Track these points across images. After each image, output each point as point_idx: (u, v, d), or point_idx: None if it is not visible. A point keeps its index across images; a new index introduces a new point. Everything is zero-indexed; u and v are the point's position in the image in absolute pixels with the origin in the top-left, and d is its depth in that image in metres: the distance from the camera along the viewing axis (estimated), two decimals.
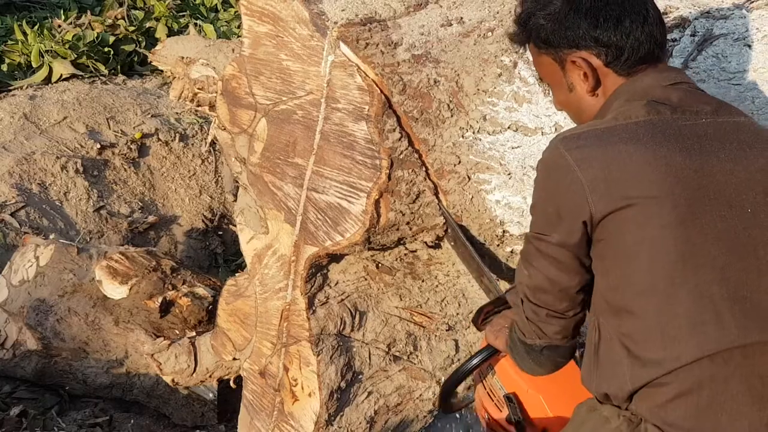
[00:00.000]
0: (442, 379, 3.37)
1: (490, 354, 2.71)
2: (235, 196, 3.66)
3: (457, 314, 3.39)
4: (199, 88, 3.67)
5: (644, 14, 2.29)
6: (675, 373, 2.10)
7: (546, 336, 2.34)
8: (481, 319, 2.82)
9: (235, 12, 7.47)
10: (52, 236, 4.85)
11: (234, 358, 3.64)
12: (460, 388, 3.02)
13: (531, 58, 2.89)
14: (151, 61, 3.96)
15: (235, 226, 3.62)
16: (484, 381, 2.83)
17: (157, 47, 3.89)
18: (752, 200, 2.16)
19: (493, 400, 2.78)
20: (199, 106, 3.72)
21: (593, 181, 2.14)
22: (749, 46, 2.76)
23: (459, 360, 3.41)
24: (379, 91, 3.01)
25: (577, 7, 2.30)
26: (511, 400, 2.71)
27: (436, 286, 3.37)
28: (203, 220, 5.74)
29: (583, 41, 2.31)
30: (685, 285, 2.10)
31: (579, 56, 2.33)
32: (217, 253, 5.67)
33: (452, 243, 3.14)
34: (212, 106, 3.62)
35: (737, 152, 2.19)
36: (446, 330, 3.39)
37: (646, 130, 2.18)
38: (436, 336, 3.40)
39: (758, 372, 2.12)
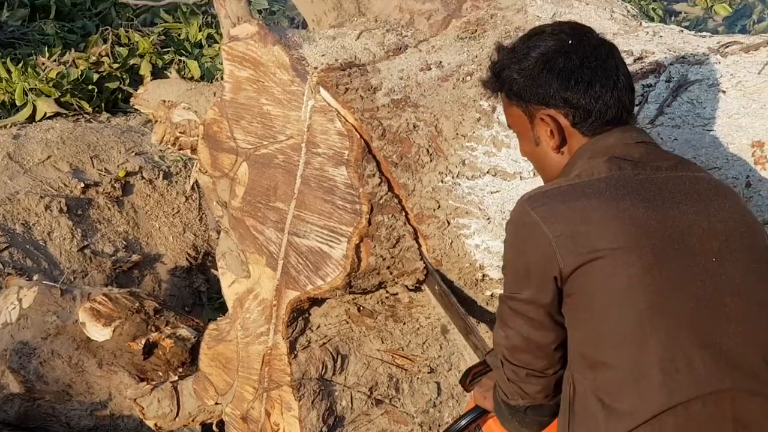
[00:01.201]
0: (424, 422, 3.38)
1: (479, 415, 2.69)
2: (219, 233, 3.68)
3: (439, 356, 3.39)
4: (180, 132, 3.68)
5: (615, 80, 2.34)
6: (649, 423, 2.12)
7: (528, 396, 2.35)
8: (468, 379, 2.82)
9: (220, 47, 7.49)
10: (35, 277, 4.83)
11: (216, 403, 3.63)
12: None
13: None
14: (133, 105, 3.97)
15: (218, 268, 3.62)
16: None
17: (138, 91, 3.90)
18: (716, 249, 2.20)
19: None
20: (180, 149, 3.73)
21: (560, 237, 2.18)
22: (724, 92, 2.78)
23: (441, 403, 3.42)
24: (358, 136, 3.03)
25: (550, 67, 2.34)
26: None
27: (418, 328, 3.37)
28: (187, 258, 5.73)
29: (553, 100, 2.35)
30: (656, 333, 2.13)
31: (548, 114, 2.38)
32: (201, 291, 5.66)
33: (434, 291, 3.15)
34: (194, 150, 3.63)
35: (698, 204, 2.23)
36: (428, 372, 3.40)
37: (609, 184, 2.23)
38: (418, 378, 3.40)
39: (730, 418, 2.14)
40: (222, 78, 3.45)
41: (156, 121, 3.79)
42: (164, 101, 3.77)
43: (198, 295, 5.67)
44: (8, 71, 6.69)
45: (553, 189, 2.29)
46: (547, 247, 2.19)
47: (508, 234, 2.32)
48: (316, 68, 3.16)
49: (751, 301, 2.20)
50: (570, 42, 2.35)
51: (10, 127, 6.22)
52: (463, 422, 2.74)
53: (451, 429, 2.77)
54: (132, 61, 7.12)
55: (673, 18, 9.65)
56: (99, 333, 4.27)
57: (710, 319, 2.16)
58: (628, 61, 2.98)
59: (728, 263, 2.20)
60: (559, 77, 2.33)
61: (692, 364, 2.12)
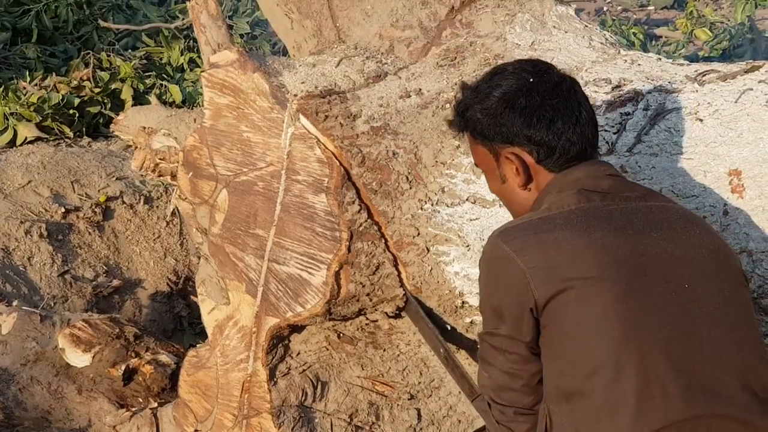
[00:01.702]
0: None
1: None
2: (200, 259, 3.68)
3: (419, 383, 3.39)
4: (160, 159, 3.68)
5: (577, 116, 2.37)
6: None
7: None
8: None
9: (201, 73, 7.49)
10: (15, 303, 4.82)
11: (196, 430, 3.62)
12: None
13: None
14: (113, 131, 3.98)
15: (197, 295, 3.62)
16: None
17: (119, 117, 3.90)
18: (688, 276, 2.22)
19: None
20: (160, 176, 3.73)
21: (534, 269, 2.20)
22: (701, 121, 2.80)
23: (421, 429, 3.41)
24: (338, 164, 3.04)
25: (512, 106, 2.38)
26: None
27: (398, 355, 3.37)
28: (168, 284, 5.72)
29: (516, 138, 2.39)
30: (630, 362, 2.14)
31: (512, 152, 2.41)
32: (182, 316, 5.65)
33: (414, 319, 3.16)
34: (174, 176, 3.63)
35: (669, 232, 2.27)
36: (408, 399, 3.39)
37: (579, 216, 2.26)
38: (398, 405, 3.40)
39: None
40: (202, 104, 3.45)
41: (136, 148, 3.79)
42: (144, 128, 3.77)
43: (179, 320, 5.66)
44: None
45: (524, 223, 2.31)
46: (522, 279, 2.21)
47: (482, 271, 2.35)
48: (295, 95, 3.17)
49: (724, 326, 2.22)
50: (531, 80, 2.39)
51: None
52: None
53: None
54: (113, 86, 7.12)
55: (653, 42, 9.72)
56: (79, 359, 4.26)
57: (684, 346, 2.17)
58: (606, 89, 3.01)
59: (701, 289, 2.23)
60: (522, 115, 2.37)
61: (667, 391, 2.13)
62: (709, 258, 2.27)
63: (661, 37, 10.06)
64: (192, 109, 5.40)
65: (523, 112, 2.36)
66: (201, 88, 7.09)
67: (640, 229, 2.25)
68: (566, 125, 2.35)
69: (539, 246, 2.22)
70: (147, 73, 7.52)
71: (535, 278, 2.19)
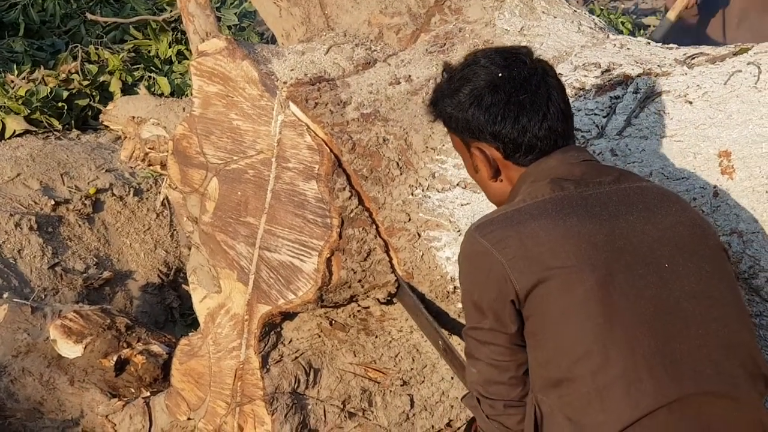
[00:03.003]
0: None
1: None
2: (190, 249, 3.68)
3: (411, 369, 3.40)
4: (150, 148, 3.68)
5: (544, 111, 2.37)
6: None
7: (510, 430, 2.36)
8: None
9: (189, 63, 7.47)
10: (5, 295, 4.81)
11: (188, 418, 3.62)
12: None
13: None
14: (102, 122, 3.97)
15: (189, 284, 3.61)
16: None
17: (108, 107, 3.90)
18: (668, 255, 2.23)
19: None
20: (150, 165, 3.73)
21: (512, 260, 2.21)
22: (690, 103, 2.81)
23: (414, 415, 3.42)
24: (328, 150, 3.04)
25: (479, 103, 2.39)
26: None
27: (390, 341, 3.38)
28: (159, 275, 5.71)
29: (482, 134, 2.41)
30: (616, 346, 2.15)
31: (478, 146, 2.44)
32: (173, 307, 5.64)
33: (406, 304, 3.16)
34: (163, 166, 3.63)
35: (645, 213, 2.28)
36: (401, 385, 3.40)
37: (554, 205, 2.27)
38: (390, 391, 3.41)
39: (698, 423, 2.16)
40: (191, 93, 3.45)
41: (125, 137, 3.79)
42: (133, 117, 3.78)
43: (170, 311, 5.65)
44: None
45: (499, 216, 2.33)
46: (502, 272, 2.22)
47: (462, 266, 2.37)
48: (285, 83, 3.17)
49: (708, 303, 2.23)
50: (500, 75, 2.39)
51: None
52: None
53: None
54: (102, 78, 7.11)
55: (642, 31, 9.71)
56: (70, 350, 4.25)
57: (669, 325, 2.18)
58: (596, 73, 3.01)
59: (681, 267, 2.23)
60: (487, 113, 2.38)
61: (654, 372, 2.14)
62: (687, 235, 2.28)
63: (649, 26, 10.04)
64: (181, 99, 5.39)
65: (489, 109, 2.38)
66: (189, 80, 7.10)
67: (615, 213, 2.26)
68: (532, 121, 2.36)
69: (516, 237, 2.23)
70: (135, 66, 7.50)
71: (515, 270, 2.21)
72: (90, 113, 6.88)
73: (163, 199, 5.49)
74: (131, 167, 5.78)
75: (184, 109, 3.60)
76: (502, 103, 2.37)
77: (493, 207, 2.58)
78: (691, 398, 2.15)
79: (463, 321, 3.12)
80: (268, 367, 3.31)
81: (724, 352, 2.21)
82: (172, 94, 7.06)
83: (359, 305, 3.29)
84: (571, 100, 2.53)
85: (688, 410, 2.15)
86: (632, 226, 2.24)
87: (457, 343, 3.16)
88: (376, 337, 3.39)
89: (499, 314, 2.26)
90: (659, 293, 2.19)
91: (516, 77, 2.39)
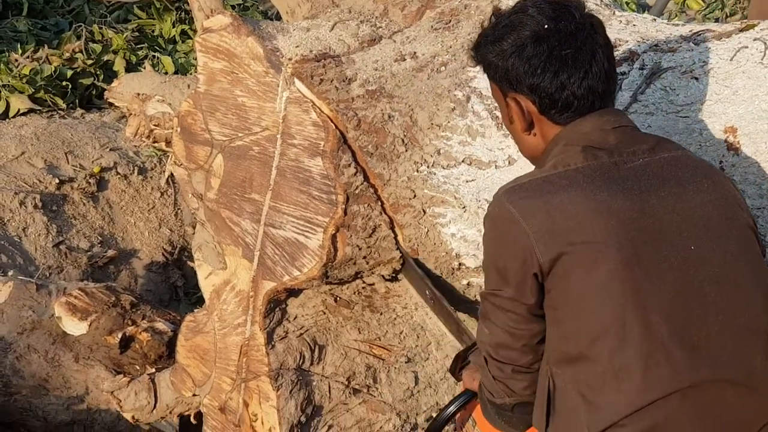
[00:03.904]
0: (402, 412, 3.39)
1: (469, 399, 2.69)
2: (195, 229, 3.68)
3: (416, 346, 3.40)
4: (155, 125, 3.68)
5: (586, 69, 2.31)
6: (631, 417, 2.12)
7: (515, 393, 2.35)
8: (458, 367, 2.81)
9: (194, 41, 7.47)
10: (10, 273, 4.82)
11: (194, 394, 3.63)
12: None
13: (483, 93, 2.94)
14: (107, 99, 3.97)
15: (194, 261, 3.62)
16: (465, 431, 2.82)
17: (112, 84, 3.90)
18: (694, 237, 2.20)
19: None
20: (155, 142, 3.73)
21: (538, 232, 2.17)
22: (696, 79, 2.80)
23: (419, 392, 3.43)
24: (334, 127, 3.04)
25: (520, 53, 2.32)
26: None
27: (395, 318, 3.38)
28: (163, 254, 5.73)
29: (519, 86, 2.35)
30: (635, 327, 2.13)
31: (515, 98, 2.38)
32: (177, 286, 5.66)
33: (411, 281, 3.16)
34: (168, 143, 3.63)
35: (676, 189, 2.23)
36: (405, 362, 3.40)
37: (585, 175, 2.22)
38: (395, 368, 3.41)
39: (711, 411, 2.14)
40: (196, 70, 3.44)
41: (130, 115, 3.79)
42: (138, 94, 3.77)
43: (174, 290, 5.67)
44: None
45: (530, 182, 2.27)
46: (527, 243, 2.18)
47: (487, 229, 2.31)
48: (290, 59, 3.16)
49: (731, 288, 2.20)
50: (546, 26, 2.31)
51: None
52: (453, 407, 2.73)
53: (441, 415, 2.76)
54: (106, 58, 7.12)
55: (646, 12, 9.69)
56: (75, 327, 4.26)
57: (689, 310, 2.16)
58: None
59: (707, 251, 2.20)
60: (527, 64, 2.31)
61: (671, 357, 2.12)
62: (716, 215, 2.24)
63: (652, 6, 10.02)
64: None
65: (529, 60, 2.31)
66: (194, 59, 7.10)
67: (647, 188, 2.21)
68: (572, 78, 2.29)
69: (544, 209, 2.19)
70: (139, 45, 7.51)
71: (540, 242, 2.17)
72: (94, 92, 6.89)
73: (168, 177, 5.49)
74: (136, 145, 5.79)
75: (189, 86, 3.60)
76: (544, 55, 2.30)
77: (498, 182, 2.56)
78: (707, 385, 2.14)
79: (468, 296, 3.14)
80: (273, 343, 3.31)
81: (743, 339, 2.19)
82: (176, 74, 7.06)
83: (364, 282, 3.29)
84: None
85: (702, 396, 2.13)
86: (662, 203, 2.20)
87: (462, 319, 3.17)
88: (381, 314, 3.39)
89: (520, 284, 2.22)
90: (682, 277, 2.17)
91: (562, 30, 2.31)
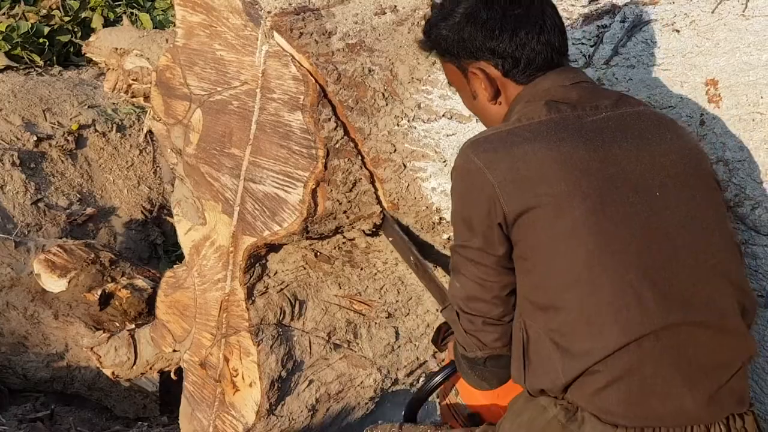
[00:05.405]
0: (383, 367, 3.39)
1: (453, 371, 2.70)
2: (174, 186, 3.66)
3: (396, 301, 3.40)
4: (133, 79, 3.65)
5: (540, 24, 2.36)
6: (604, 362, 2.14)
7: (486, 346, 2.36)
8: (440, 338, 2.82)
9: (171, 0, 7.43)
10: None
11: (174, 350, 3.63)
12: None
13: None
14: (84, 53, 3.93)
15: (173, 217, 3.60)
16: (448, 400, 2.83)
17: (90, 39, 3.87)
18: (659, 183, 2.23)
19: (458, 420, 2.78)
20: (133, 97, 3.70)
21: (503, 182, 2.20)
22: (678, 32, 2.79)
23: (399, 347, 3.43)
24: (314, 81, 3.01)
25: (474, 20, 2.38)
26: (475, 419, 2.71)
27: (375, 273, 3.38)
28: (142, 211, 5.71)
29: (480, 52, 2.40)
30: (605, 273, 2.15)
31: (477, 67, 2.42)
32: (156, 243, 5.64)
33: (390, 236, 3.16)
34: (147, 97, 3.61)
35: (639, 140, 2.26)
36: (386, 317, 3.41)
37: (548, 128, 2.25)
38: (375, 323, 3.41)
39: (685, 352, 2.16)
40: (174, 24, 3.41)
41: (108, 69, 3.76)
42: (116, 49, 3.74)
43: (154, 248, 5.65)
44: None
45: (494, 134, 2.30)
46: (492, 194, 2.21)
47: (454, 182, 2.34)
48: (269, 12, 3.13)
49: (698, 232, 2.23)
50: None
51: None
52: (438, 378, 2.74)
53: (425, 387, 2.77)
54: (83, 14, 7.05)
55: None
56: (54, 284, 4.26)
57: (658, 254, 2.17)
58: (583, 2, 3.00)
59: (672, 196, 2.23)
60: (483, 29, 2.37)
61: (642, 301, 2.14)
62: (680, 164, 2.26)
63: None
64: None
65: (485, 24, 2.36)
66: (172, 16, 7.05)
67: (610, 140, 2.24)
68: (530, 35, 2.35)
69: (509, 159, 2.21)
70: (117, 2, 7.44)
71: (504, 192, 2.19)
72: (72, 49, 6.83)
73: (146, 134, 5.46)
74: (114, 102, 5.75)
75: (167, 40, 3.57)
76: (498, 17, 2.35)
77: None
78: (680, 327, 2.15)
79: (448, 253, 3.13)
80: (253, 298, 3.31)
81: (712, 281, 2.21)
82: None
83: (344, 237, 3.29)
84: None
85: (675, 338, 2.15)
86: (626, 153, 2.23)
87: (442, 276, 3.16)
88: (362, 269, 3.39)
89: (487, 235, 2.25)
90: (649, 222, 2.19)
91: None
